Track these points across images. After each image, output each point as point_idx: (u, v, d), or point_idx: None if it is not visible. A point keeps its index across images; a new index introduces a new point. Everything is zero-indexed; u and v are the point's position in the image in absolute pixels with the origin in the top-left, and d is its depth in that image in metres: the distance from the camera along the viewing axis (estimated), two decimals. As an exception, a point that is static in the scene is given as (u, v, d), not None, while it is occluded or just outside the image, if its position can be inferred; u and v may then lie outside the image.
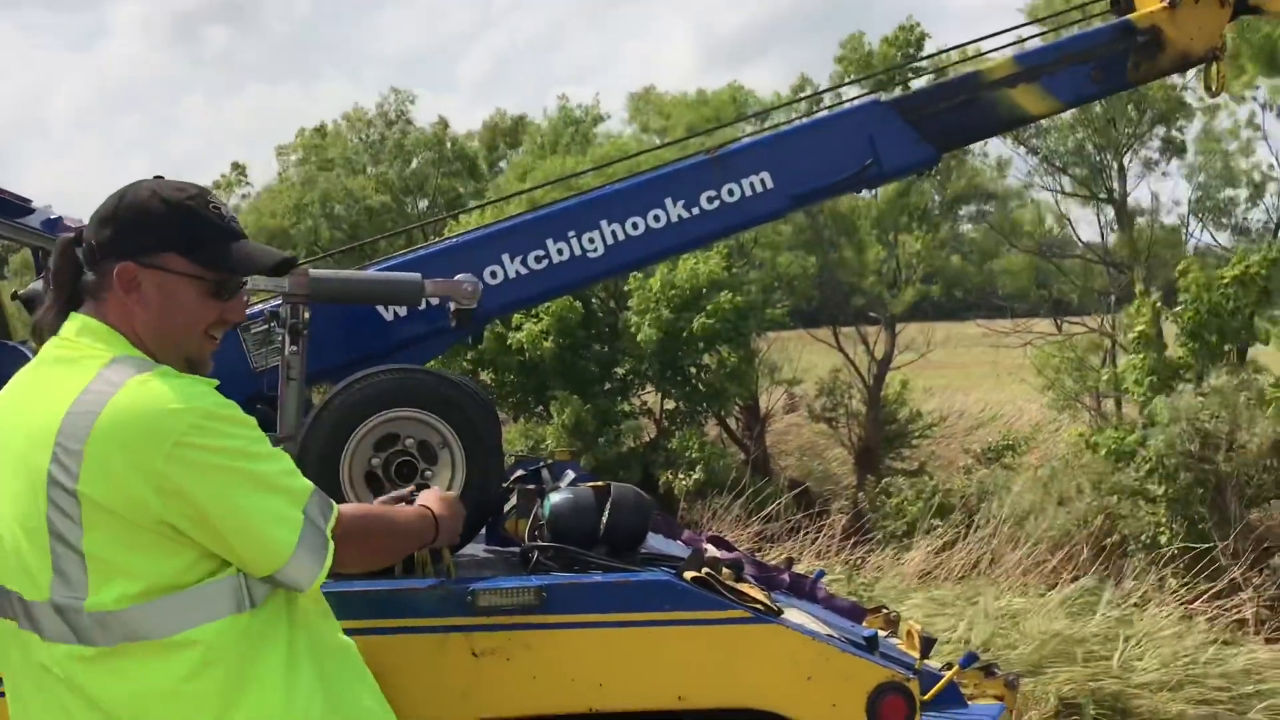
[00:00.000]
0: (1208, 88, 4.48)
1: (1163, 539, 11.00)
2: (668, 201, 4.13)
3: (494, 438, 3.29)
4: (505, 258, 4.04)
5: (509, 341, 16.08)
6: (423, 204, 25.61)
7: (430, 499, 2.53)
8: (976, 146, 16.99)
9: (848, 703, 2.81)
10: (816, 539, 13.41)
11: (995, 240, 18.56)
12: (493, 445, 3.26)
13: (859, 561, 12.60)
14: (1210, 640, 8.76)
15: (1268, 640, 9.51)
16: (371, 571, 2.94)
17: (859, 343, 19.13)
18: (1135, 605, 9.44)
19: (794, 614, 3.32)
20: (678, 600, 2.77)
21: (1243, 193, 15.92)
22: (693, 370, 16.16)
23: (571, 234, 4.07)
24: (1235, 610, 10.03)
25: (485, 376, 17.22)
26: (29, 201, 4.24)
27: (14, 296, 3.94)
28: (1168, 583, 10.07)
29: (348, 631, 2.34)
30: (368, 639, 2.60)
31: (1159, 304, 13.31)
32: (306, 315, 3.42)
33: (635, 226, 4.12)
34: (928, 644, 3.59)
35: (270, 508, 2.00)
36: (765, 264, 16.61)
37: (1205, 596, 10.10)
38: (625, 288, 15.81)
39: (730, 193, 4.15)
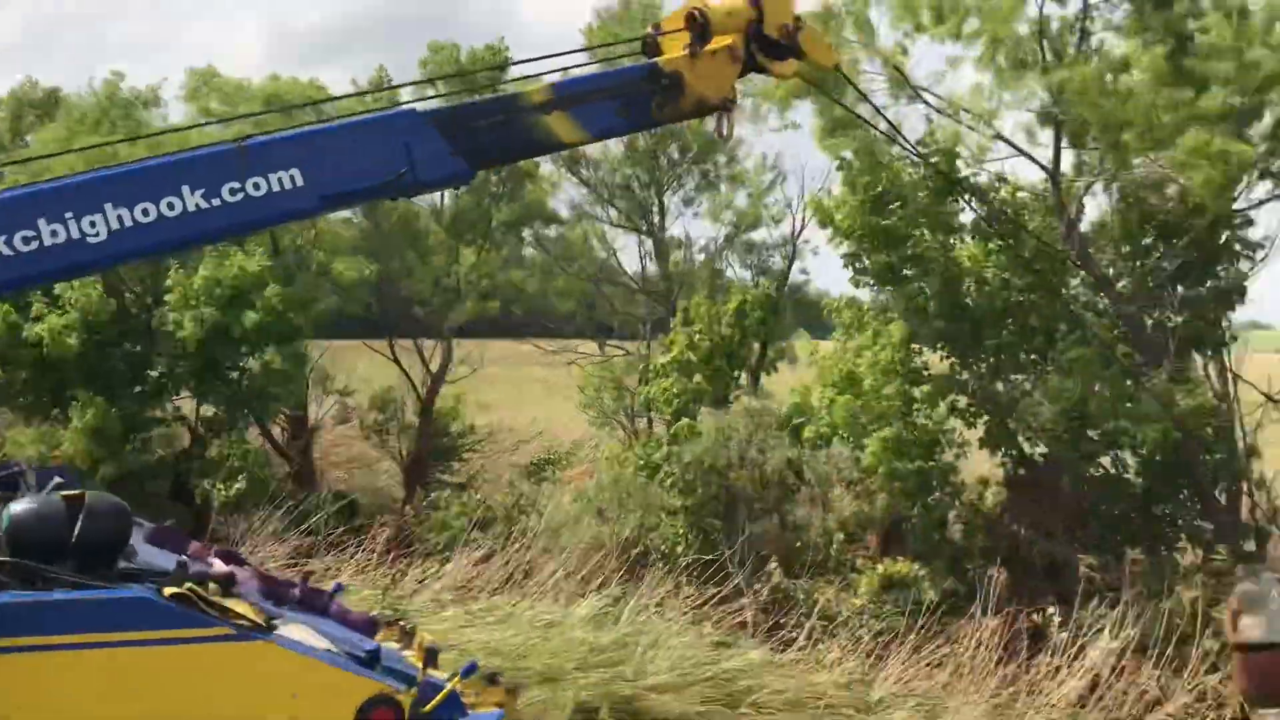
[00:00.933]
0: (719, 133, 4.92)
1: (679, 548, 11.90)
2: (185, 189, 3.87)
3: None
4: (-17, 235, 3.59)
5: (24, 334, 14.33)
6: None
7: None
8: (534, 167, 17.56)
9: (336, 717, 2.74)
10: (358, 553, 13.16)
11: (552, 262, 19.26)
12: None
13: (400, 575, 12.51)
14: (713, 643, 9.58)
15: (763, 640, 10.54)
16: None
17: (415, 354, 19.03)
18: (655, 612, 10.12)
19: (294, 629, 3.19)
20: (154, 619, 2.57)
21: (764, 233, 17.67)
22: (235, 374, 15.27)
23: (69, 215, 3.71)
24: (738, 614, 11.04)
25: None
26: None
27: None
28: (682, 590, 10.88)
29: None
30: None
31: (694, 334, 14.47)
32: None
33: (145, 213, 3.82)
34: (431, 655, 3.60)
35: None
36: (321, 267, 16.05)
37: (713, 601, 11.04)
38: (166, 283, 14.64)
39: (256, 186, 3.96)
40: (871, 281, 12.47)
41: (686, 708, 8.29)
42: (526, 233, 18.80)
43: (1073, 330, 11.82)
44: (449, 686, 3.52)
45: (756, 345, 14.97)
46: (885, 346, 11.59)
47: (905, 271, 12.34)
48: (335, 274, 16.12)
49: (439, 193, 15.98)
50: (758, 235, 17.86)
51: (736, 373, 14.13)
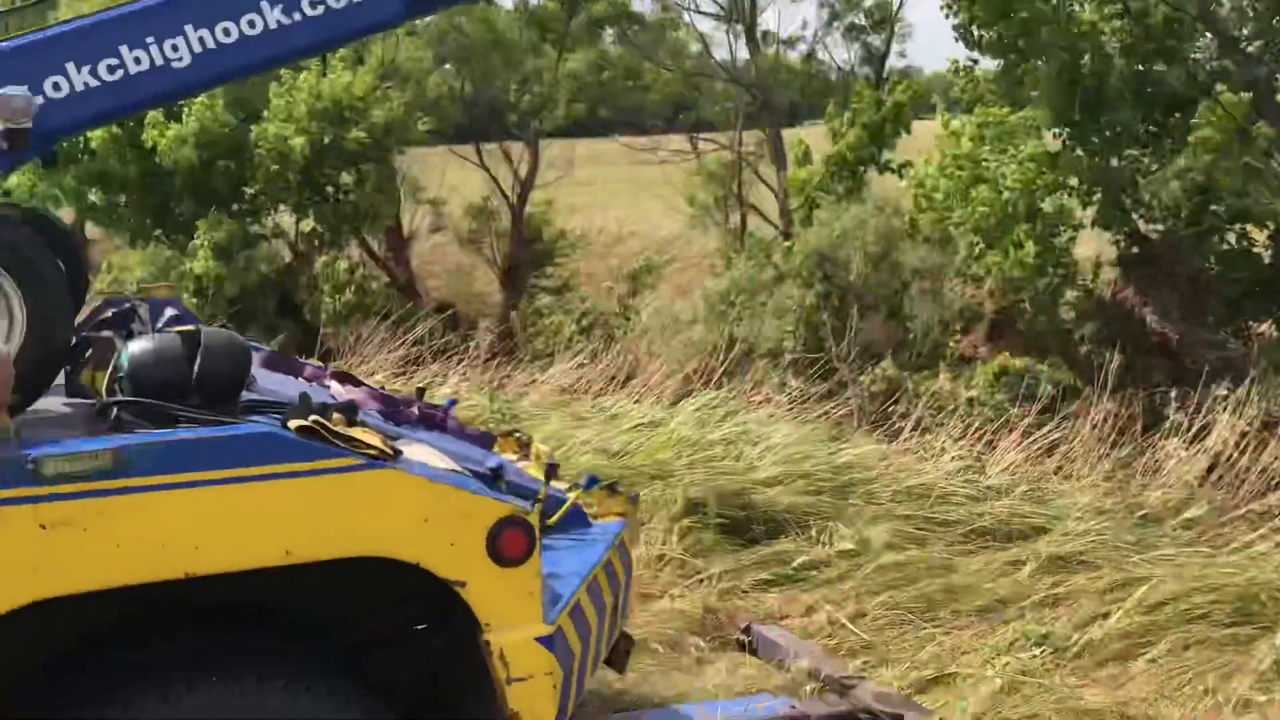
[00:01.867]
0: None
1: (786, 344, 11.82)
2: (264, 5, 3.69)
3: (57, 280, 2.86)
4: (70, 67, 3.49)
5: (146, 142, 14.26)
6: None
7: None
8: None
9: (466, 540, 2.75)
10: (463, 360, 13.39)
11: (637, 60, 18.63)
12: (57, 289, 2.84)
13: (504, 380, 12.73)
14: (820, 438, 9.59)
15: (870, 433, 10.53)
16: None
17: (503, 160, 18.86)
18: (760, 407, 10.15)
19: (418, 450, 3.20)
20: (280, 453, 2.57)
21: (860, 16, 16.77)
22: (331, 190, 15.32)
23: (150, 40, 3.57)
24: (844, 407, 11.02)
25: (94, 195, 15.47)
26: None
27: None
28: (788, 386, 10.87)
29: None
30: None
31: (841, 124, 13.88)
32: None
33: (227, 33, 3.67)
34: (550, 469, 3.60)
35: None
36: (410, 83, 15.80)
37: (819, 397, 11.03)
38: (269, 98, 14.53)
39: (337, -2, 3.76)
40: (986, 54, 11.69)
41: (795, 499, 8.36)
42: (610, 31, 18.13)
43: (1197, 100, 11.07)
44: (570, 501, 3.52)
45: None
46: (1010, 132, 10.87)
47: (1019, 44, 11.56)
48: (429, 89, 15.86)
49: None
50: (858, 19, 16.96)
51: (863, 167, 13.68)
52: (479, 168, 18.93)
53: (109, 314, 3.46)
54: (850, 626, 6.15)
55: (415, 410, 4.18)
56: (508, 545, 2.78)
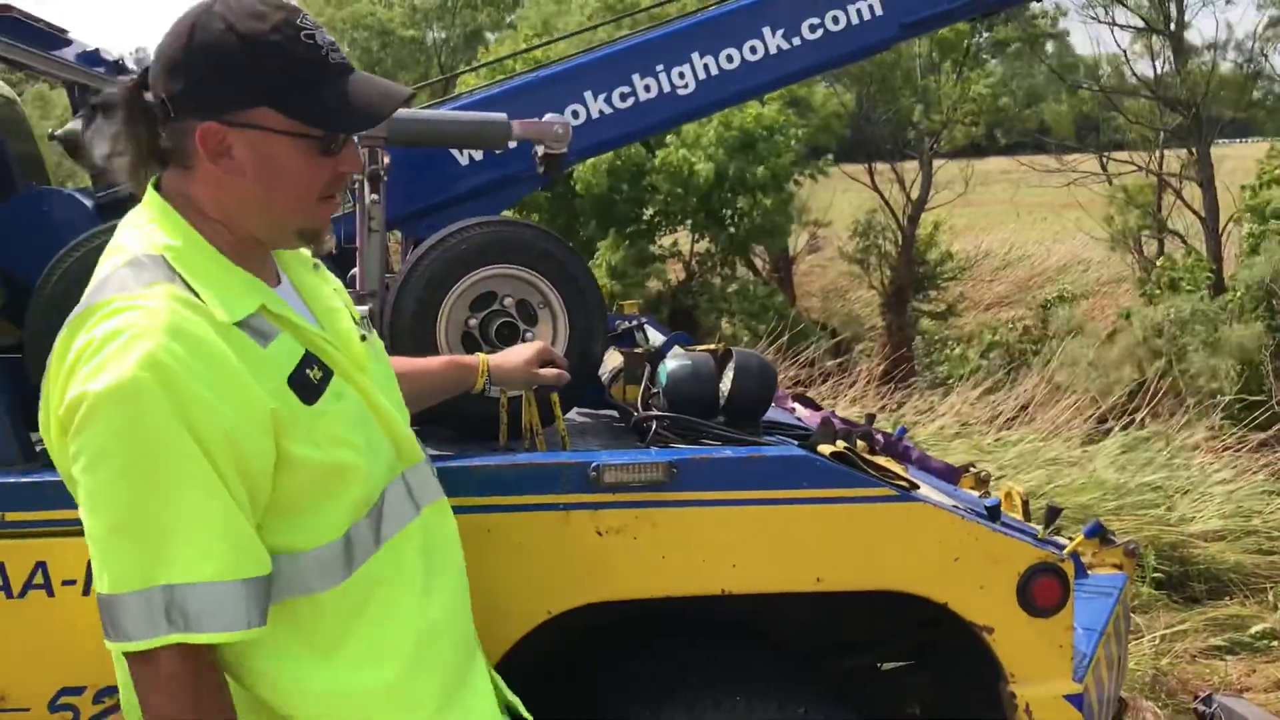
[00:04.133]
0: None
1: (1221, 385, 10.77)
2: (765, 31, 3.76)
3: (596, 294, 3.01)
4: (588, 95, 3.70)
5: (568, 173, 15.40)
6: (440, 34, 24.61)
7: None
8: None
9: (997, 584, 2.61)
10: (854, 384, 13.26)
11: (1040, 80, 17.73)
12: (595, 303, 2.99)
13: (897, 406, 12.46)
14: (1267, 491, 8.64)
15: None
16: (479, 440, 2.76)
17: (893, 181, 18.59)
18: (1189, 454, 9.30)
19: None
20: (816, 478, 2.54)
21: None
22: (727, 214, 15.71)
23: (660, 68, 3.72)
24: (1286, 459, 9.87)
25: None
26: (65, 32, 3.87)
27: (51, 137, 3.60)
28: (1222, 431, 9.89)
29: (463, 509, 2.11)
30: (485, 516, 2.42)
31: None
32: (387, 160, 3.10)
33: (730, 60, 3.76)
34: (1053, 514, 3.38)
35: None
36: (802, 104, 15.94)
37: (1255, 445, 9.95)
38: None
39: (835, 20, 3.77)
40: None
41: (1242, 558, 7.56)
42: (1011, 49, 17.40)
43: None
44: (1071, 546, 3.29)
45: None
46: None
47: None
48: (818, 109, 15.95)
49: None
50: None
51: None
52: (868, 188, 18.76)
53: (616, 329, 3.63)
54: (1330, 709, 5.43)
55: (880, 438, 4.09)
56: (1040, 594, 2.61)
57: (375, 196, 3.09)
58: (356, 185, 3.21)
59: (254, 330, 1.67)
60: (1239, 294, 10.89)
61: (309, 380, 1.70)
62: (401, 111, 3.31)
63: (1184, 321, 11.06)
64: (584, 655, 2.90)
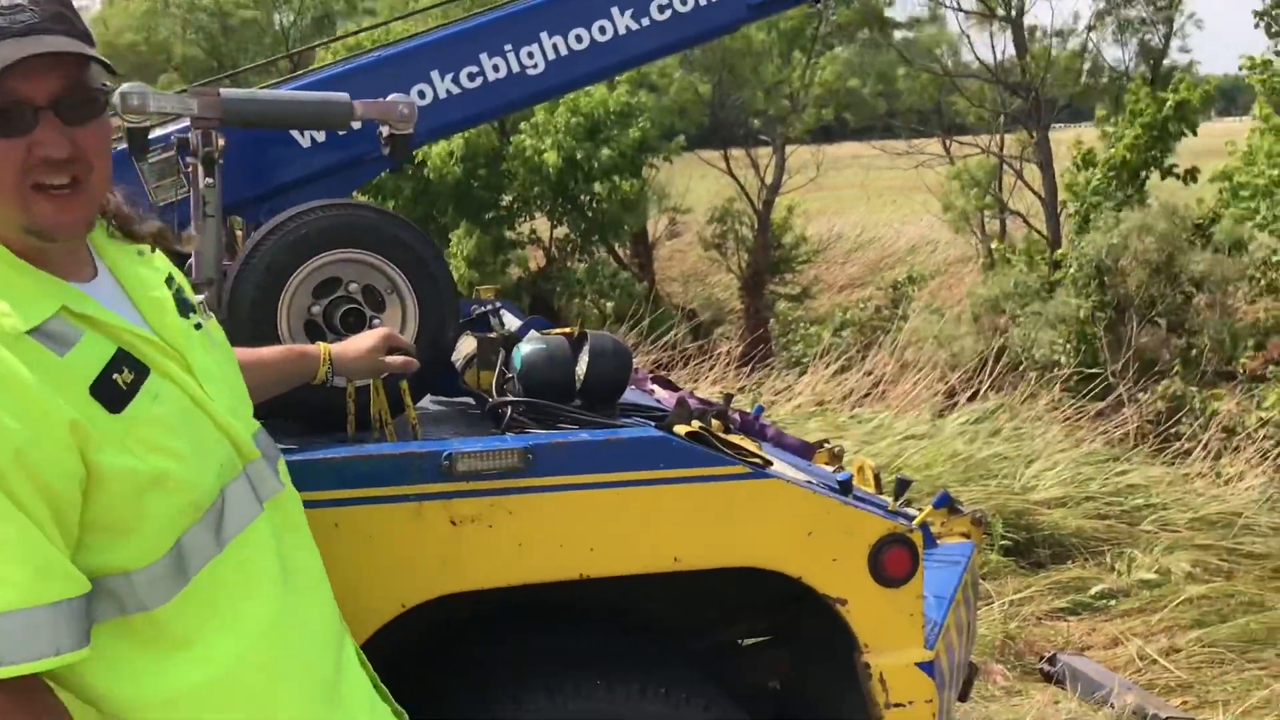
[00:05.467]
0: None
1: (1059, 359, 11.26)
2: (614, 11, 3.73)
3: (447, 278, 2.94)
4: (435, 75, 3.61)
5: (419, 159, 15.12)
6: (288, 19, 23.87)
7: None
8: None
9: (850, 557, 2.65)
10: (714, 365, 13.42)
11: (891, 64, 18.21)
12: (447, 289, 2.92)
13: (756, 386, 12.65)
14: (1103, 458, 9.07)
15: (1151, 456, 9.89)
16: (329, 433, 2.66)
17: (749, 167, 18.86)
18: (1032, 425, 9.70)
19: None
20: (672, 458, 2.54)
21: (1139, 9, 15.74)
22: (585, 199, 15.69)
23: (508, 48, 3.65)
24: (1121, 427, 10.40)
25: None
26: None
27: None
28: (1061, 402, 10.35)
29: (312, 503, 2.05)
30: (335, 510, 2.34)
31: (1119, 125, 13.12)
32: (221, 142, 2.97)
33: (579, 40, 3.72)
34: (903, 486, 3.47)
35: None
36: (660, 90, 16.01)
37: (1094, 415, 10.45)
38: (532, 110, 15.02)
39: (684, 1, 3.76)
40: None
41: (1082, 523, 7.93)
42: (862, 34, 17.81)
43: None
44: (920, 517, 3.38)
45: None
46: None
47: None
48: (673, 94, 16.04)
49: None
50: (1134, 12, 15.98)
51: (1145, 172, 12.89)
52: (725, 174, 18.99)
53: (471, 315, 3.56)
54: (1163, 662, 5.74)
55: (737, 416, 4.12)
56: (891, 564, 2.67)
57: (210, 180, 2.95)
58: (191, 169, 3.08)
59: (49, 336, 1.54)
60: (1071, 271, 11.42)
61: (116, 386, 1.57)
62: (238, 91, 3.17)
63: (1016, 298, 11.55)
64: (449, 646, 2.85)
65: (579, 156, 14.79)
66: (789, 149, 18.31)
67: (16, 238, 1.59)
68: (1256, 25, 10.68)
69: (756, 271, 18.96)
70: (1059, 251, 11.87)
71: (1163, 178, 13.03)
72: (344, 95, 3.16)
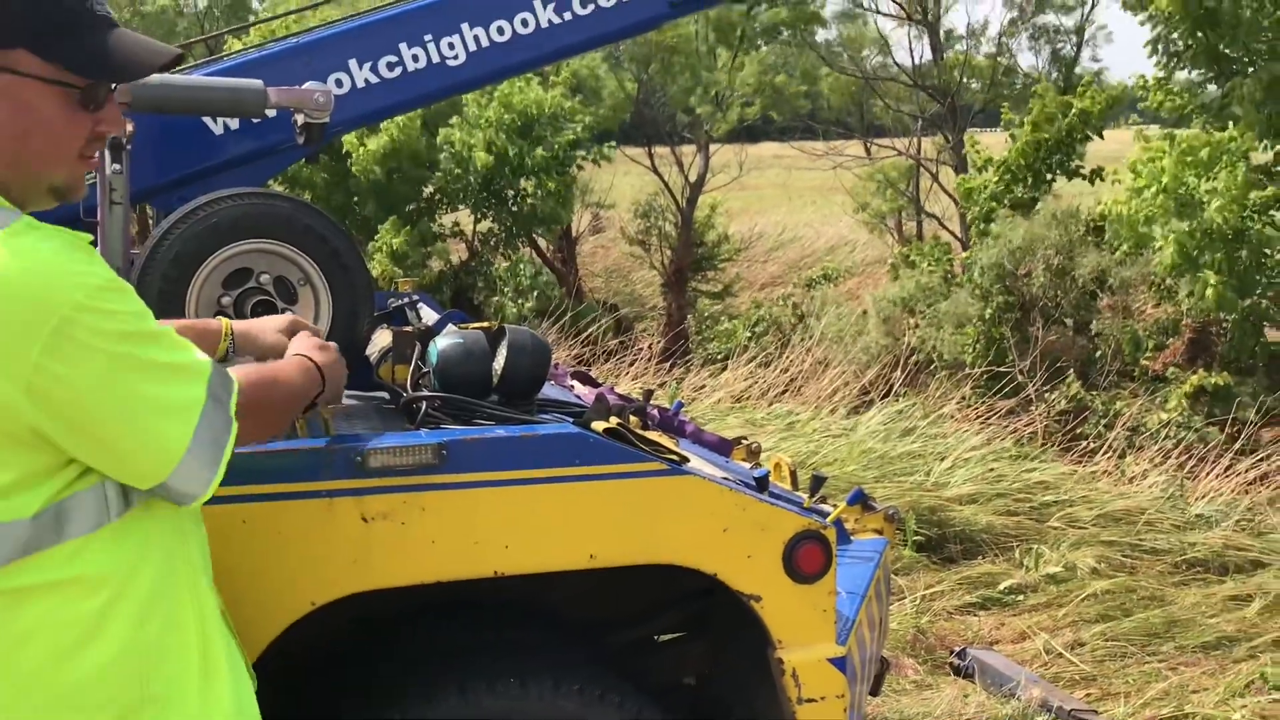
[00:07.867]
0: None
1: (968, 358, 11.47)
2: (537, 4, 3.71)
3: (362, 270, 2.90)
4: (353, 64, 3.57)
5: (343, 149, 14.84)
6: (202, 2, 23.32)
7: (306, 346, 2.19)
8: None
9: (764, 553, 2.67)
10: (635, 361, 13.44)
11: (814, 64, 18.38)
12: (362, 281, 2.88)
13: (675, 382, 12.71)
14: (1013, 456, 9.28)
15: (1059, 454, 10.14)
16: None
17: (673, 164, 18.90)
18: (945, 423, 9.88)
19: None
20: (589, 454, 2.53)
21: (1053, 17, 16.13)
22: (510, 194, 15.58)
23: (429, 38, 3.62)
24: (1030, 426, 10.65)
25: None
26: None
27: None
28: (971, 402, 10.55)
29: (220, 499, 2.00)
30: (242, 507, 2.29)
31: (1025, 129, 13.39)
32: (130, 128, 2.89)
33: (501, 32, 3.70)
34: (818, 483, 3.49)
35: (166, 397, 1.62)
36: (589, 91, 15.93)
37: (1003, 414, 10.68)
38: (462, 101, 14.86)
39: (607, -4, 3.76)
40: (1188, 67, 11.11)
41: (992, 519, 8.10)
42: (787, 33, 17.94)
43: None
44: (835, 513, 3.41)
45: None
46: (1224, 155, 10.23)
47: (1226, 51, 10.94)
48: (603, 93, 15.98)
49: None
50: (1048, 19, 16.33)
51: (1050, 176, 13.18)
52: (649, 170, 19.00)
53: (387, 308, 3.51)
54: (1068, 656, 5.89)
55: (655, 413, 4.13)
56: (805, 560, 2.69)
57: (117, 166, 2.87)
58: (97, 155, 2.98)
59: None
60: (974, 273, 11.66)
61: None
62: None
63: (922, 298, 11.75)
64: (362, 644, 2.81)
65: (510, 154, 14.68)
66: (712, 148, 18.39)
67: (36, 198, 1.65)
68: (1150, 56, 11.00)
69: (679, 268, 18.99)
70: (964, 255, 12.11)
71: (1069, 179, 13.38)
72: (258, 82, 3.10)
